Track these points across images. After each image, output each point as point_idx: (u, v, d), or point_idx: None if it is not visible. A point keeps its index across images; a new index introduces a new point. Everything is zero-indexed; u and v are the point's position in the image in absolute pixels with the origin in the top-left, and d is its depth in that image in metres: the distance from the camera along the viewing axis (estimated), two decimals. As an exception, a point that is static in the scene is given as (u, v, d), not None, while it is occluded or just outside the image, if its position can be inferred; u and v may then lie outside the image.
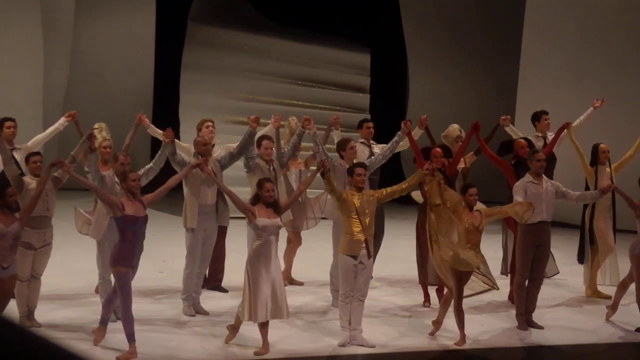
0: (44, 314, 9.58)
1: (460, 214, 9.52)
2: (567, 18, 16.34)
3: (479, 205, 9.96)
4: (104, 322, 8.77)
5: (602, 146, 12.05)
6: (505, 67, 18.53)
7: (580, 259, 12.25)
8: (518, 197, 10.21)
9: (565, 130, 11.67)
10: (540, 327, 10.24)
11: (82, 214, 10.48)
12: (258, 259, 8.76)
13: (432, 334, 9.69)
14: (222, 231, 10.78)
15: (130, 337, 8.48)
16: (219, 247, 11.05)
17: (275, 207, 8.90)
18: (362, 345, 9.16)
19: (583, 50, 16.25)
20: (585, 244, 12.08)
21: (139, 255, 8.63)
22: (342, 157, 10.99)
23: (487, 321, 10.48)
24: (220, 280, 11.50)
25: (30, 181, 9.30)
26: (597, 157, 12.03)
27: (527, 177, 10.41)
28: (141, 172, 9.63)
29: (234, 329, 8.97)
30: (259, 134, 11.16)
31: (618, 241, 11.89)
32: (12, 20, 16.44)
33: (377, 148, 11.76)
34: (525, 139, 11.82)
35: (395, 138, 10.84)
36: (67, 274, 11.39)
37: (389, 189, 9.53)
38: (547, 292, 11.23)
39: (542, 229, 10.34)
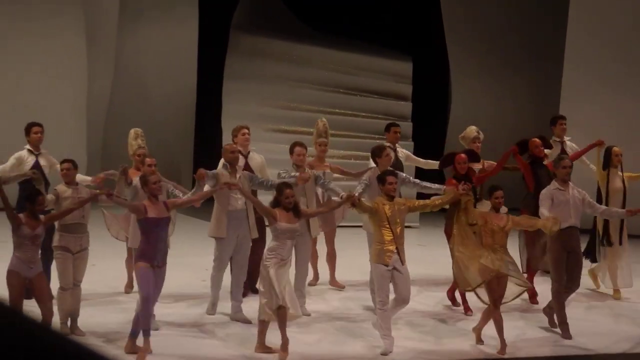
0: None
1: (486, 217, 9.64)
2: (610, 26, 16.21)
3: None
4: (147, 333, 8.80)
5: (616, 149, 12.11)
6: (546, 78, 18.42)
7: (593, 258, 12.30)
8: (544, 206, 10.25)
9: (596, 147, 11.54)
10: (569, 337, 10.08)
11: (113, 218, 10.63)
12: (273, 259, 8.91)
13: (477, 342, 9.68)
14: (256, 243, 10.69)
15: (146, 333, 8.72)
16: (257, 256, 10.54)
17: (295, 212, 9.05)
18: (384, 354, 9.17)
19: (626, 60, 16.12)
20: (598, 244, 12.13)
21: (162, 255, 8.95)
22: (376, 163, 10.99)
23: (521, 326, 10.48)
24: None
25: (65, 189, 9.51)
26: (609, 160, 12.07)
27: (554, 185, 10.47)
28: (170, 188, 10.08)
29: (261, 334, 9.01)
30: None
31: (630, 247, 12.08)
32: (56, 31, 16.56)
33: (402, 153, 12.09)
34: (541, 137, 12.00)
35: (433, 188, 10.73)
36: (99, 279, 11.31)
37: (421, 202, 9.78)
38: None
39: (572, 235, 10.36)
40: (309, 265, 11.47)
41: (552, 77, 17.64)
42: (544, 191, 10.51)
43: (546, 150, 11.99)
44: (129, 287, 11.22)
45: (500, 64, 19.08)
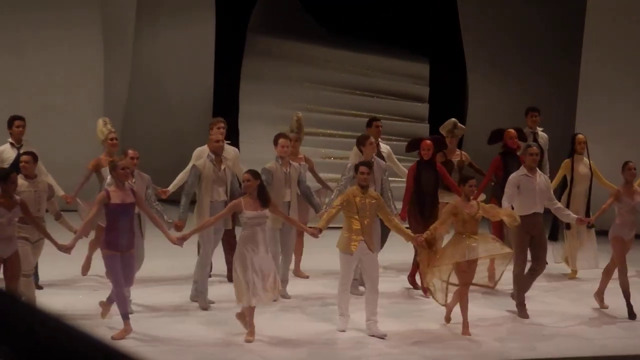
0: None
1: (457, 207, 10.19)
2: (628, 27, 16.15)
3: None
4: (125, 316, 9.33)
5: (580, 137, 12.82)
6: (565, 78, 18.35)
7: (554, 237, 12.88)
8: (507, 195, 10.84)
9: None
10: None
11: (87, 206, 10.97)
12: (245, 247, 9.37)
13: (447, 319, 10.39)
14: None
15: (125, 316, 9.27)
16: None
17: (263, 200, 9.44)
18: (374, 336, 9.76)
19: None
20: (560, 225, 12.71)
21: (128, 240, 9.37)
22: (361, 152, 11.58)
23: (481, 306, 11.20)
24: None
25: (22, 182, 9.88)
26: (574, 148, 12.73)
27: (522, 171, 11.01)
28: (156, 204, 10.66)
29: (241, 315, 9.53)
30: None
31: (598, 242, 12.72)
32: (74, 34, 16.61)
33: (384, 148, 12.60)
34: (517, 129, 12.58)
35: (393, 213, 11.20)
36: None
37: (388, 214, 10.25)
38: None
39: (535, 220, 10.86)
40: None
41: (570, 78, 17.59)
42: (511, 176, 11.01)
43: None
44: (85, 270, 11.72)
45: (517, 65, 19.01)
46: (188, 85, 18.35)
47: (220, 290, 11.20)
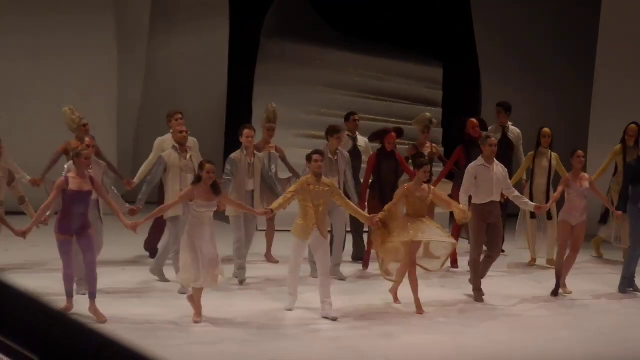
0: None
1: (408, 190, 10.75)
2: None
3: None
4: (92, 295, 9.74)
5: (545, 130, 13.52)
6: (579, 82, 18.35)
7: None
8: (464, 188, 11.39)
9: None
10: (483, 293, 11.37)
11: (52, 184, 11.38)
12: (192, 232, 9.71)
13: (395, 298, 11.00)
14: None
15: (69, 295, 9.74)
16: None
17: (215, 190, 9.81)
18: (327, 317, 10.18)
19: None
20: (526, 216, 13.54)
21: (81, 225, 9.66)
22: (327, 141, 12.38)
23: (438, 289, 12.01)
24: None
25: None
26: (539, 141, 13.44)
27: (479, 161, 11.48)
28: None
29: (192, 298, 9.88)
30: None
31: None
32: (88, 40, 16.71)
33: (362, 141, 13.34)
34: (479, 118, 13.22)
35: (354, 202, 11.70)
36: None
37: (343, 199, 10.71)
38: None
39: (492, 209, 11.38)
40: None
41: (584, 84, 17.59)
42: (470, 166, 11.53)
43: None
44: None
45: (531, 70, 19.03)
46: (202, 90, 18.44)
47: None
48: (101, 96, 16.55)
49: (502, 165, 11.58)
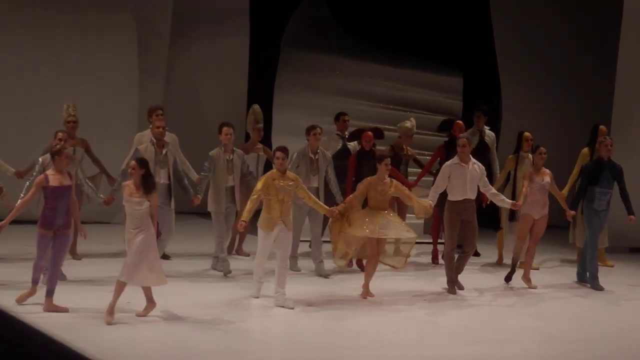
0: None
1: (370, 183, 11.39)
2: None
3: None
4: (50, 292, 10.00)
5: (526, 134, 14.04)
6: (599, 92, 18.31)
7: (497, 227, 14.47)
8: (436, 185, 12.07)
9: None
10: (462, 288, 12.14)
11: None
12: (129, 229, 9.92)
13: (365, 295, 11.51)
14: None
15: (34, 282, 10.19)
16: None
17: (146, 187, 9.96)
18: (283, 307, 10.74)
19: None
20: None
21: (64, 220, 10.04)
22: (307, 140, 13.00)
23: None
24: None
25: None
26: (520, 145, 13.98)
27: (455, 160, 12.06)
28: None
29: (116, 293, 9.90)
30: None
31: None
32: (109, 46, 16.89)
33: (352, 143, 13.90)
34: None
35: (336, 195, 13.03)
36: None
37: (304, 192, 11.32)
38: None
39: (466, 206, 11.97)
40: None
41: (604, 92, 17.56)
42: (445, 164, 12.21)
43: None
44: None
45: (552, 81, 19.03)
46: (222, 96, 18.56)
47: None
48: (122, 100, 16.68)
49: (480, 164, 12.16)
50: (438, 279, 12.72)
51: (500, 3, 19.09)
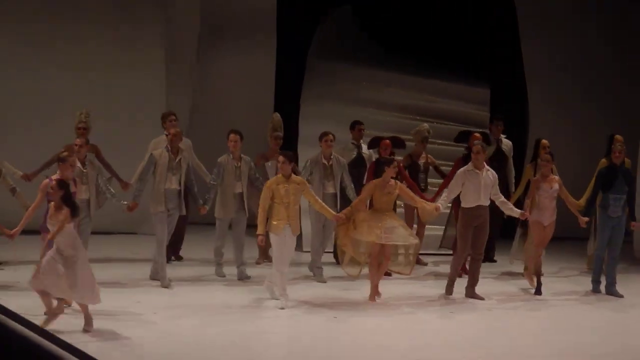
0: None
1: (375, 185, 11.58)
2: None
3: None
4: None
5: (544, 142, 14.02)
6: (629, 103, 18.23)
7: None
8: (452, 185, 12.15)
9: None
10: (482, 298, 12.06)
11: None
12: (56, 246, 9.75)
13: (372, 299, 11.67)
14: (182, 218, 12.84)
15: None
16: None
17: (71, 209, 9.60)
18: (276, 300, 11.20)
19: None
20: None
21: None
22: (320, 146, 13.22)
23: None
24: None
25: None
26: (538, 152, 13.90)
27: (469, 166, 12.12)
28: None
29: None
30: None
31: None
32: (138, 59, 17.03)
33: (366, 149, 14.23)
34: (483, 133, 13.39)
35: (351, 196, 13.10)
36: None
37: (311, 196, 11.56)
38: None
39: (479, 213, 12.00)
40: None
41: (633, 107, 17.49)
42: (459, 170, 12.25)
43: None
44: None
45: (579, 93, 18.94)
46: (249, 107, 18.60)
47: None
48: (149, 110, 16.60)
49: (493, 172, 12.22)
50: (462, 289, 12.62)
51: (528, 15, 19.06)
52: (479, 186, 11.97)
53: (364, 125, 14.53)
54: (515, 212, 12.34)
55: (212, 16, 18.56)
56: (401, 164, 14.00)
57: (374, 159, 14.03)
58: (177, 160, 12.28)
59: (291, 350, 9.41)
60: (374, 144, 13.83)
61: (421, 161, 14.46)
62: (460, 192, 12.15)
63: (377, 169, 13.22)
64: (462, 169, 12.24)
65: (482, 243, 12.17)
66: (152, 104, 16.83)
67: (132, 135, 16.32)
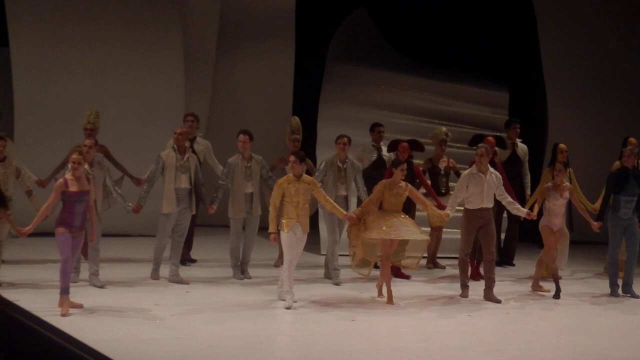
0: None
1: (385, 185, 11.72)
2: None
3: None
4: (65, 291, 10.31)
5: (561, 146, 14.00)
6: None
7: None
8: (456, 190, 12.31)
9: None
10: (499, 301, 12.08)
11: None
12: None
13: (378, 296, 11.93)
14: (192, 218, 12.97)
15: (64, 291, 10.28)
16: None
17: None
18: (283, 300, 11.28)
19: None
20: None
21: (80, 222, 10.43)
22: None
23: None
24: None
25: None
26: (555, 156, 13.89)
27: (474, 169, 12.21)
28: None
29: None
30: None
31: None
32: (156, 63, 17.10)
33: (386, 152, 13.17)
34: (497, 137, 13.48)
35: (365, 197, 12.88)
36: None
37: (321, 195, 11.64)
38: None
39: (483, 215, 12.15)
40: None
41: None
42: (463, 174, 12.41)
43: (498, 149, 14.08)
44: None
45: (598, 97, 18.90)
46: (267, 109, 18.65)
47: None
48: (167, 116, 16.76)
49: (497, 173, 12.32)
50: (477, 290, 12.69)
51: (547, 19, 19.02)
52: (483, 189, 12.12)
53: (384, 127, 14.53)
54: (522, 212, 12.44)
55: (230, 20, 18.62)
56: (420, 168, 14.06)
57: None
58: (184, 159, 12.44)
59: (307, 353, 9.40)
60: (393, 146, 13.82)
61: (442, 165, 14.59)
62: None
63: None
64: (466, 172, 12.39)
65: (491, 244, 12.25)
66: (171, 108, 16.93)
67: (150, 140, 16.37)
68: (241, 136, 12.90)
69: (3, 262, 12.11)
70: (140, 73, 17.07)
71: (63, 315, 10.11)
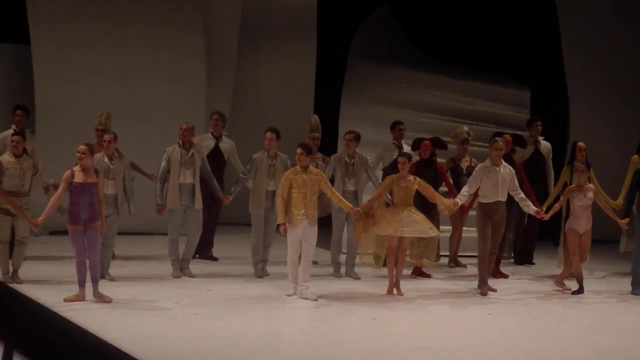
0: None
1: (393, 180, 11.83)
2: None
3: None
4: (95, 280, 10.62)
5: (580, 144, 13.91)
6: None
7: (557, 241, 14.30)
8: (468, 185, 12.29)
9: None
10: (494, 290, 12.36)
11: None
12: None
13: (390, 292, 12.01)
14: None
15: (81, 284, 10.50)
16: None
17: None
18: (306, 299, 11.31)
19: None
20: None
21: (89, 213, 10.53)
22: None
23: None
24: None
25: (9, 159, 11.60)
26: (574, 155, 13.80)
27: (487, 162, 12.21)
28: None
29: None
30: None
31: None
32: (178, 62, 17.17)
33: (408, 150, 13.22)
34: (513, 134, 13.55)
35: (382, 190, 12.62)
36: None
37: (328, 188, 11.75)
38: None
39: (497, 208, 12.14)
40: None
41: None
42: (478, 167, 12.41)
43: (518, 148, 14.08)
44: None
45: (620, 95, 18.82)
46: (289, 108, 18.67)
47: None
48: (189, 116, 16.58)
49: (510, 167, 12.33)
50: (497, 287, 12.81)
51: (569, 17, 18.96)
52: (497, 182, 12.10)
53: (404, 126, 14.53)
54: (531, 210, 12.42)
55: (252, 19, 18.65)
56: (443, 167, 14.04)
57: (414, 160, 14.04)
58: (189, 154, 12.52)
59: (328, 351, 9.41)
60: (416, 145, 13.80)
61: (464, 164, 14.59)
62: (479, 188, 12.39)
63: (418, 170, 13.28)
64: (480, 165, 12.40)
65: (497, 238, 12.33)
66: (193, 109, 16.96)
67: (171, 140, 16.12)
68: (268, 134, 12.92)
69: (24, 259, 12.16)
70: (161, 73, 17.14)
71: (65, 300, 10.51)
